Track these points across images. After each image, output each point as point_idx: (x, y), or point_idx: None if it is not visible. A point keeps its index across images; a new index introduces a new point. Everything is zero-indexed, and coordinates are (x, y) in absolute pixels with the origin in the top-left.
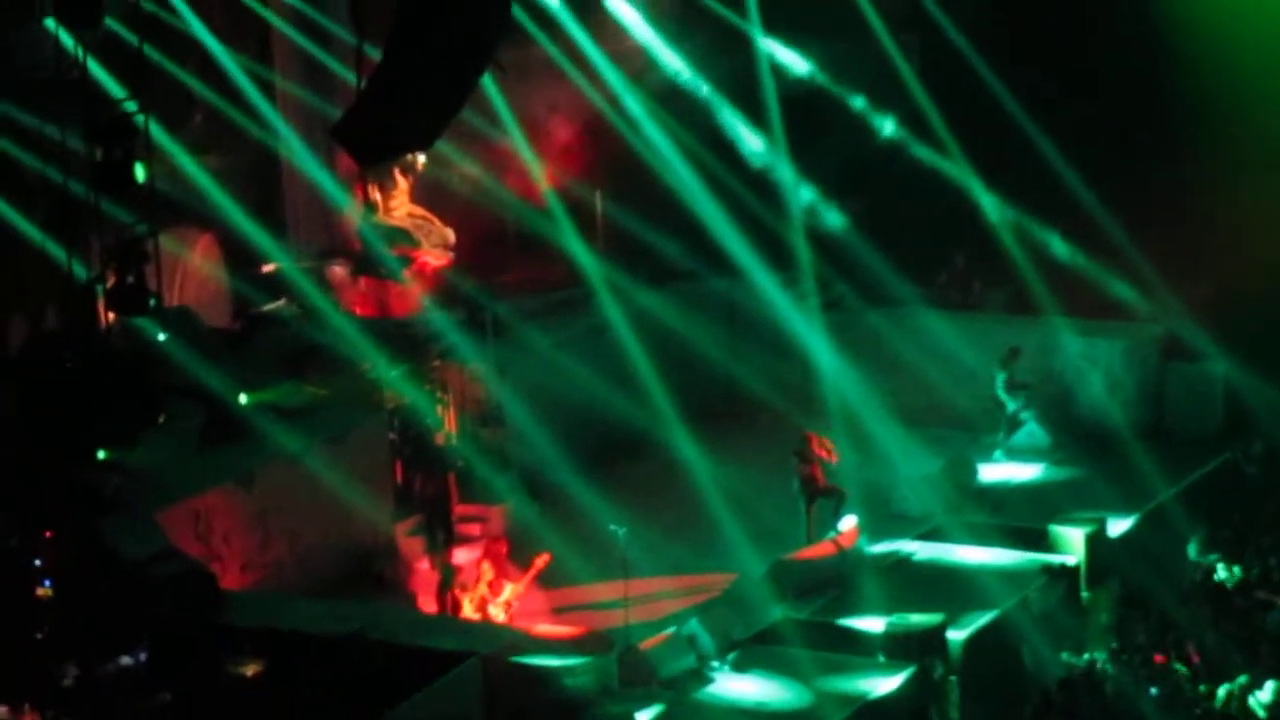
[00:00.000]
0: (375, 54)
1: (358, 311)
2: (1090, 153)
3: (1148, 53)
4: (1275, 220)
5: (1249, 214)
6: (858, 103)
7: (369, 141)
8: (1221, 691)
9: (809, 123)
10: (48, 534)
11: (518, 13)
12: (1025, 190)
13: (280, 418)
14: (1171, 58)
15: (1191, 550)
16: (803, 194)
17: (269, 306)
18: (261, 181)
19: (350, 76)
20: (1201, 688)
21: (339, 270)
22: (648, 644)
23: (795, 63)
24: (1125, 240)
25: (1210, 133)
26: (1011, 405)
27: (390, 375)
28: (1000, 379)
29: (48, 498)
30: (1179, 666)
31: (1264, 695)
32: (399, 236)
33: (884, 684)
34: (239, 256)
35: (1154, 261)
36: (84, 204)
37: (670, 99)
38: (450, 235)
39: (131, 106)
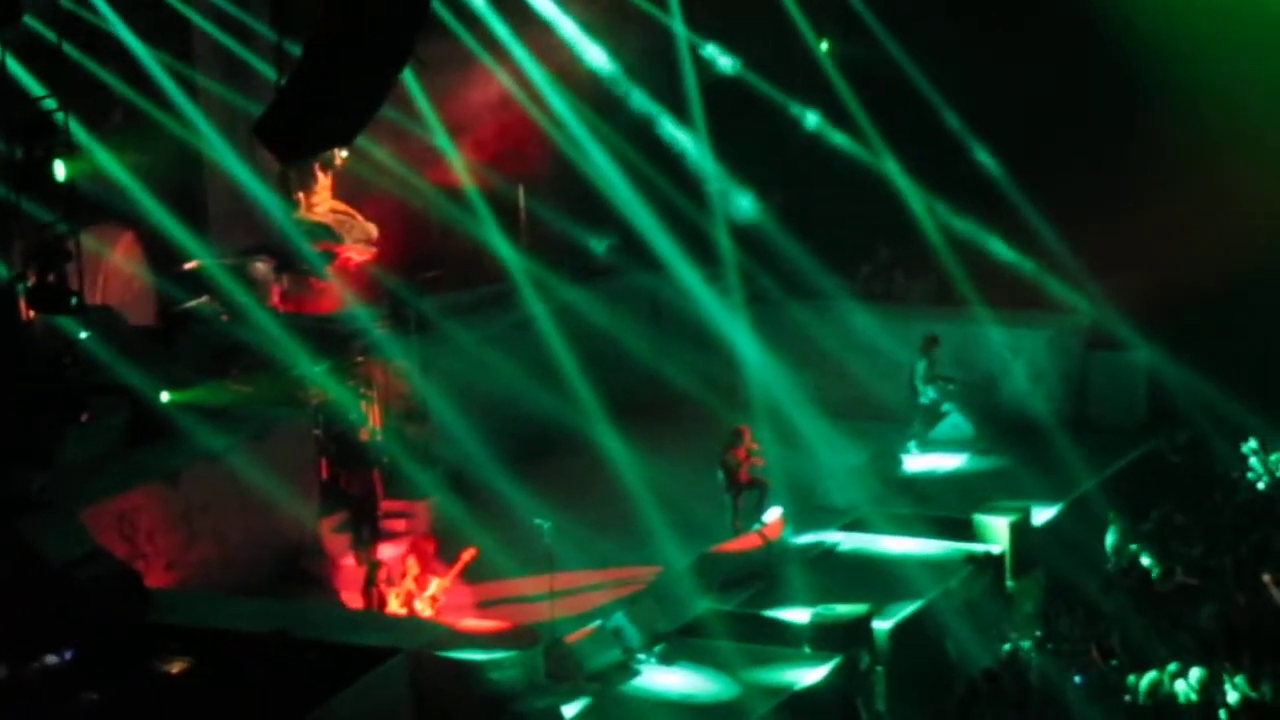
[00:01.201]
0: (296, 50)
1: (281, 308)
2: (1013, 144)
3: (1077, 44)
4: (1198, 209)
5: (1172, 203)
6: (780, 97)
7: (290, 138)
8: (1146, 680)
9: (732, 116)
10: None
11: (439, 7)
12: (948, 182)
13: (204, 416)
14: (1101, 49)
15: (1110, 538)
16: (725, 188)
17: (191, 304)
18: (182, 179)
19: (271, 73)
20: (1130, 678)
21: (261, 267)
22: (573, 637)
23: (718, 57)
24: (1048, 231)
25: (1135, 123)
26: (928, 395)
27: (314, 372)
28: (919, 368)
29: None
30: (1114, 652)
31: (1189, 683)
32: (321, 232)
33: (810, 675)
34: (161, 255)
35: (1077, 252)
36: (4, 203)
37: (594, 94)
38: (373, 230)
39: (51, 104)
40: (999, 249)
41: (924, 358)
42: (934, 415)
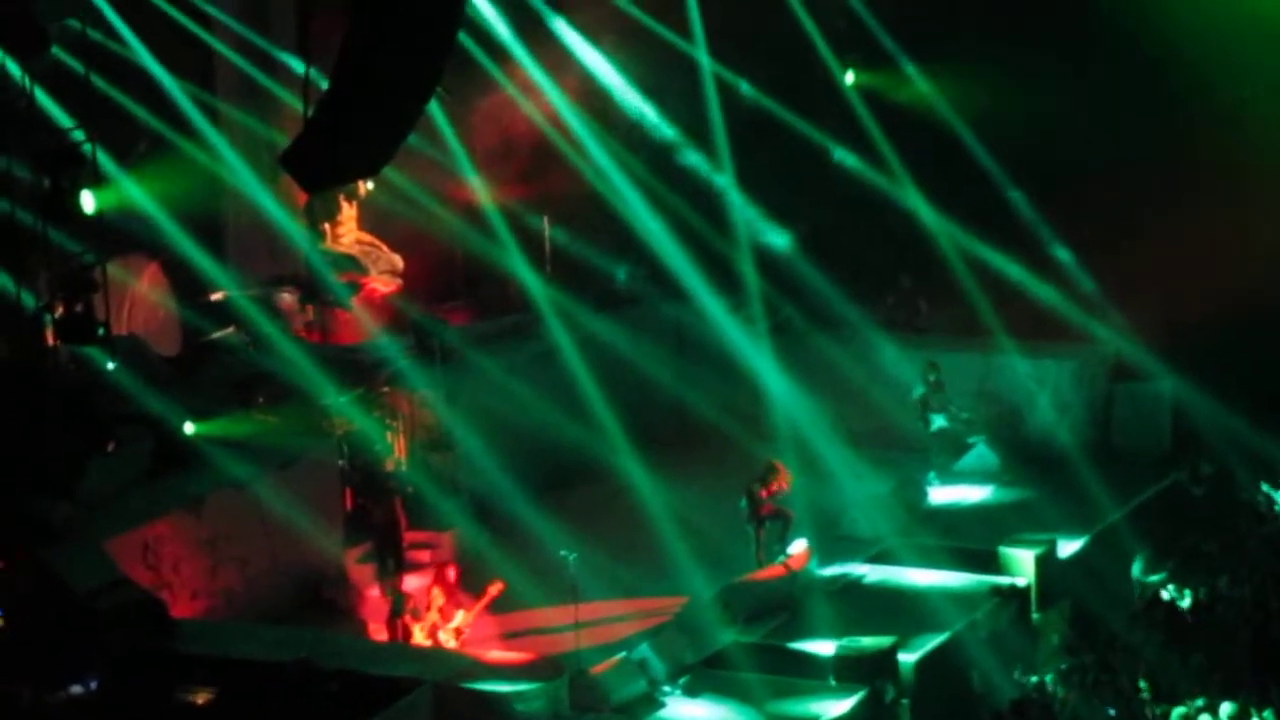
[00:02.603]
0: (323, 81)
1: (306, 338)
2: (1037, 173)
3: (1100, 74)
4: (1222, 241)
5: (1197, 235)
6: (803, 126)
7: (316, 169)
8: (1176, 714)
9: (756, 146)
10: None
11: (464, 38)
12: (972, 212)
13: (229, 446)
14: (1124, 80)
15: (1136, 569)
16: (750, 217)
17: (217, 334)
18: (208, 209)
19: (297, 103)
20: (1158, 710)
21: (287, 297)
22: (599, 669)
23: (742, 87)
24: (1073, 262)
25: (1159, 151)
26: (936, 423)
27: (339, 402)
28: (916, 394)
29: None
30: (1142, 684)
31: (1221, 716)
32: (347, 263)
33: (835, 707)
34: (186, 284)
35: (1102, 283)
36: (31, 233)
37: (618, 123)
38: (398, 261)
39: (79, 135)
40: (1023, 278)
41: (922, 385)
42: (951, 444)
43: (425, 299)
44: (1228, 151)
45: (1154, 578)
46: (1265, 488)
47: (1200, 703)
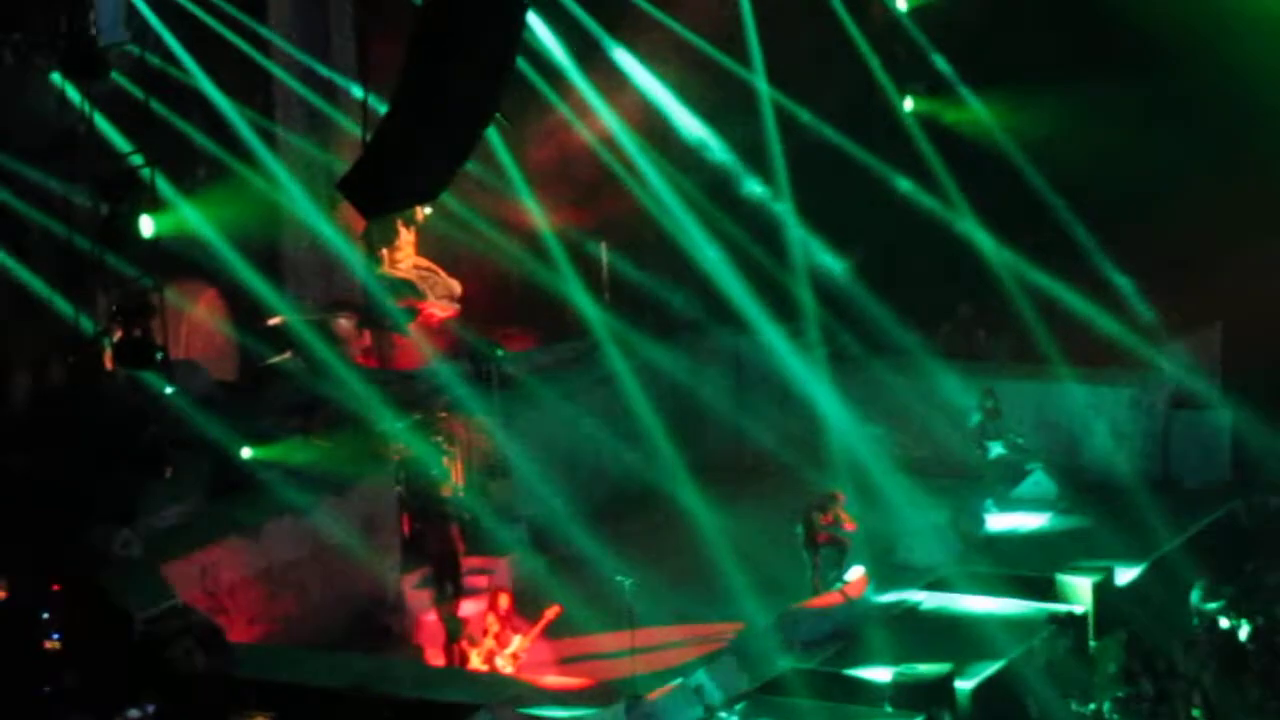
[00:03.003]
0: (382, 107)
1: (363, 364)
2: (1098, 203)
3: (1163, 102)
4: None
5: (1259, 265)
6: (861, 153)
7: (374, 194)
8: None
9: (813, 173)
10: (55, 587)
11: (522, 64)
12: (1032, 240)
13: (286, 472)
14: (1187, 108)
15: (1194, 598)
16: (808, 244)
17: (274, 359)
18: (265, 234)
19: (356, 129)
20: None
21: (344, 323)
22: (654, 695)
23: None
24: (1133, 291)
25: (1222, 184)
26: (993, 451)
27: (396, 428)
28: (973, 421)
29: (55, 552)
30: (1196, 713)
31: None
32: (404, 288)
33: None
34: (243, 310)
35: (1163, 312)
36: (89, 258)
37: (676, 151)
38: (456, 287)
39: (137, 160)
40: (1082, 307)
41: (979, 411)
42: (1008, 471)
43: (483, 325)
44: None
45: (1211, 606)
46: None
47: None
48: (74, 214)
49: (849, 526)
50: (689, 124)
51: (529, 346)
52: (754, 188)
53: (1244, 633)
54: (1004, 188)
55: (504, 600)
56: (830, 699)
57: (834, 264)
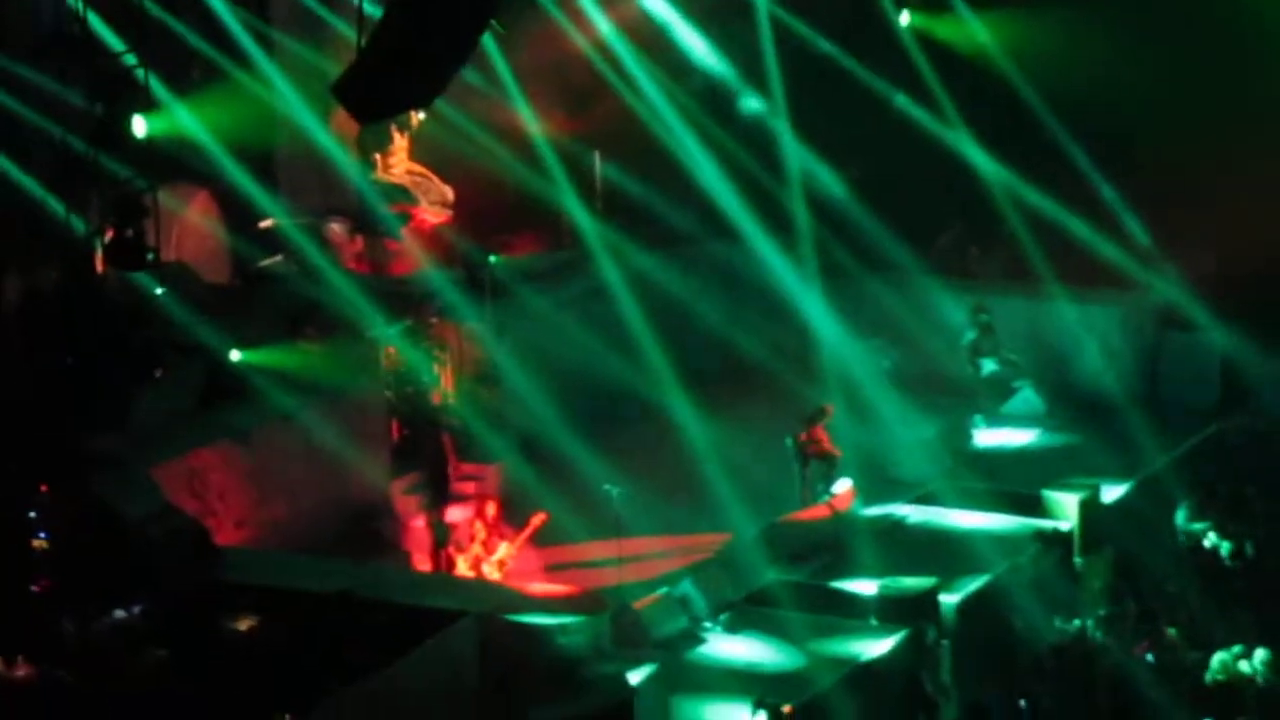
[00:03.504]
0: (377, 11)
1: (355, 269)
2: (1094, 122)
3: (1161, 23)
4: (1273, 191)
5: (1254, 187)
6: (857, 69)
7: (369, 99)
8: (1216, 660)
9: (809, 87)
10: (43, 488)
11: None
12: (1027, 159)
13: (277, 376)
14: (1185, 29)
15: (1180, 517)
16: (803, 159)
17: (266, 263)
18: (259, 138)
19: (350, 33)
20: (1193, 655)
21: (337, 228)
22: (641, 604)
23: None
24: (1127, 211)
25: (1219, 106)
26: (986, 368)
27: (387, 334)
28: (967, 339)
29: (44, 452)
30: (1172, 631)
31: (1254, 664)
32: (397, 194)
33: (876, 647)
34: (236, 213)
35: (1156, 233)
36: (82, 158)
37: (672, 62)
38: (449, 193)
39: (131, 60)
40: (1074, 225)
41: (973, 328)
42: (999, 388)
43: (476, 232)
44: None
45: (1196, 525)
46: None
47: (1239, 649)
48: (67, 114)
49: (828, 447)
50: (686, 35)
51: (522, 254)
52: (750, 101)
53: (1226, 551)
54: (1000, 105)
55: (491, 508)
56: (816, 611)
57: (829, 179)
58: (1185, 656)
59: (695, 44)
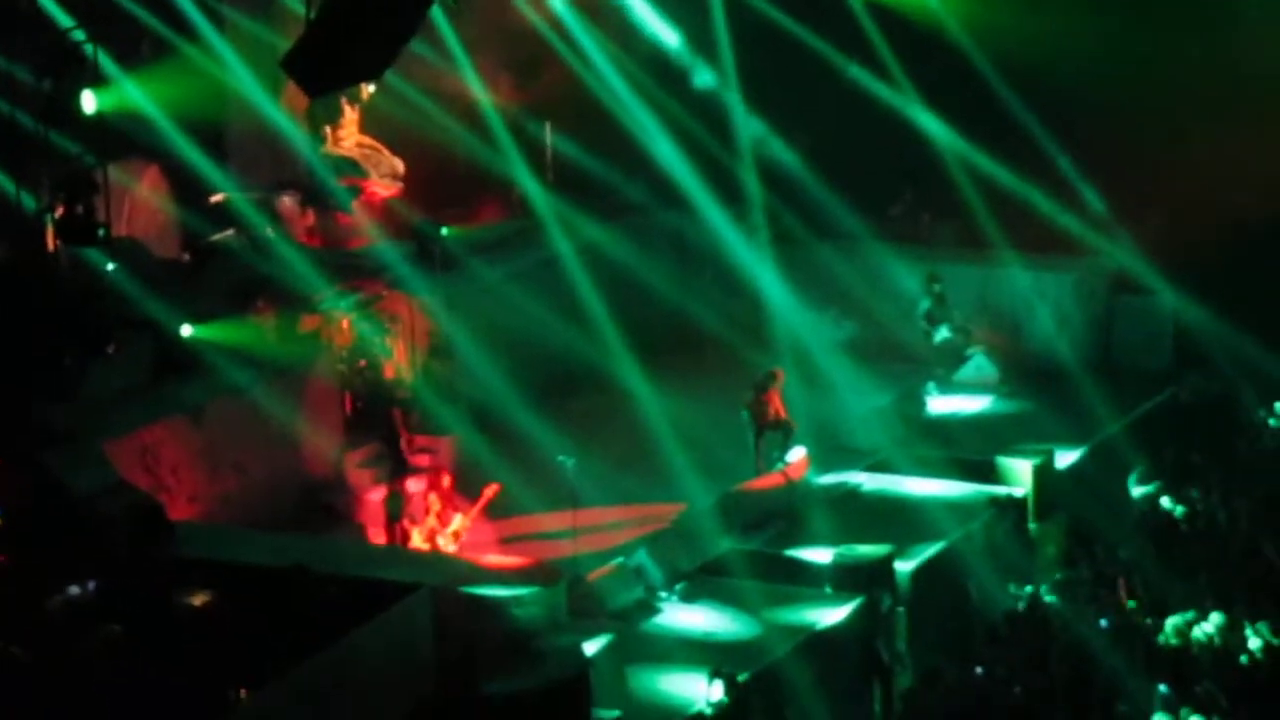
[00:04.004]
0: None
1: (307, 243)
2: (1045, 91)
3: None
4: (1225, 156)
5: (1204, 152)
6: (809, 37)
7: (317, 72)
8: (1170, 624)
9: (761, 56)
10: None
11: None
12: (978, 127)
13: (228, 351)
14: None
15: (1131, 482)
16: (754, 128)
17: (217, 237)
18: (209, 113)
19: (299, 7)
20: (1148, 620)
21: (287, 201)
22: (596, 575)
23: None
24: (1075, 174)
25: (1169, 73)
26: (939, 335)
27: (339, 307)
28: (921, 306)
29: None
30: (1127, 599)
31: (1209, 629)
32: (347, 167)
33: (831, 615)
34: (187, 188)
35: (1107, 199)
36: (32, 134)
37: (622, 32)
38: (399, 165)
39: (80, 36)
40: (1026, 192)
41: (926, 296)
42: (952, 356)
43: (426, 204)
44: (1237, 68)
45: (1146, 490)
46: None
47: (1193, 614)
48: (15, 90)
49: (782, 413)
50: (636, 4)
51: (473, 226)
52: (701, 70)
53: (1181, 516)
54: (953, 73)
55: (446, 480)
56: (771, 579)
57: (780, 148)
58: (1140, 622)
59: (646, 14)
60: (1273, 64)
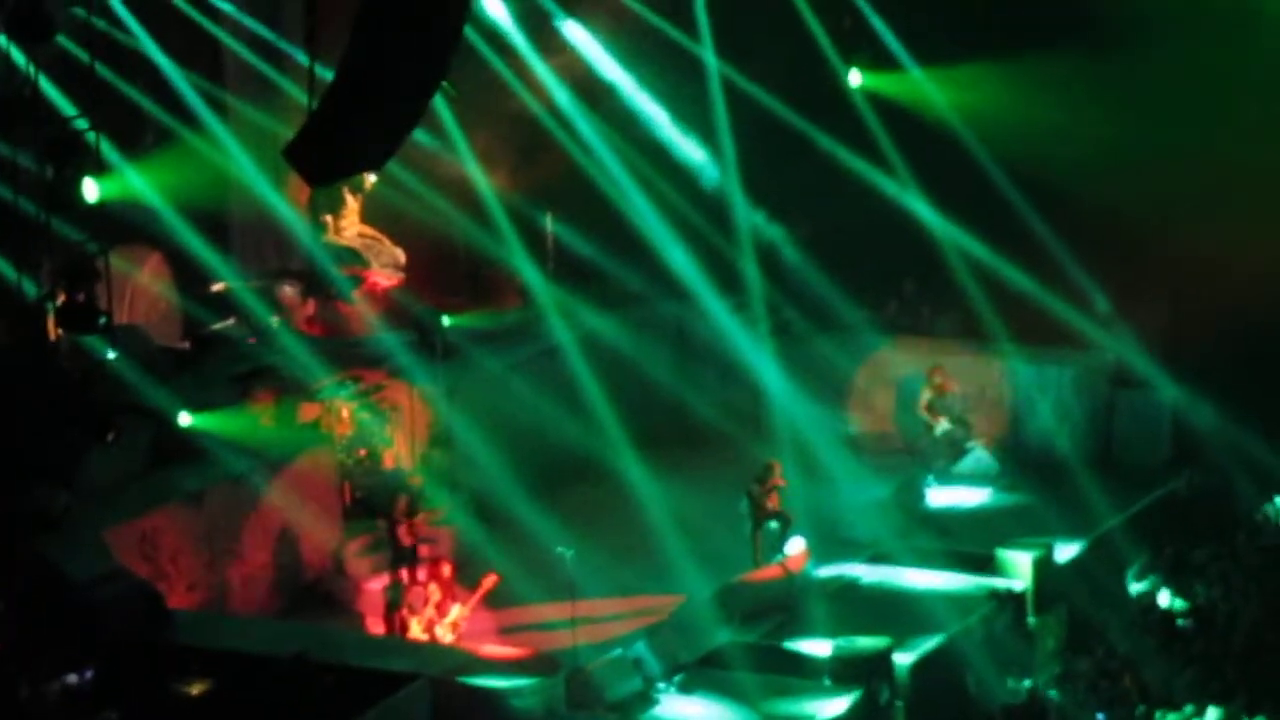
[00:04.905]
0: (328, 74)
1: (307, 332)
2: (1044, 181)
3: (1112, 84)
4: (1222, 249)
5: (1202, 245)
6: (808, 128)
7: (320, 162)
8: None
9: (760, 146)
10: None
11: (470, 33)
12: (978, 217)
13: (228, 438)
14: (1135, 90)
15: (1130, 576)
16: (753, 218)
17: (218, 326)
18: (211, 201)
19: (302, 96)
20: (1157, 714)
21: (288, 290)
22: (594, 666)
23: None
24: (1075, 268)
25: (1168, 164)
26: (940, 428)
27: (339, 396)
28: (925, 399)
29: None
30: (1139, 701)
31: None
32: (349, 256)
33: (830, 707)
34: (188, 276)
35: (1104, 290)
36: (33, 222)
37: (621, 121)
38: (400, 255)
39: (82, 124)
40: (1026, 284)
41: (927, 389)
42: (952, 448)
43: (427, 293)
44: (1238, 161)
45: (1144, 584)
46: (1278, 501)
47: (1190, 709)
48: (18, 178)
49: (778, 506)
50: (637, 97)
51: (474, 315)
52: (701, 161)
53: (1178, 609)
54: (952, 164)
55: (446, 569)
56: (769, 671)
57: (779, 238)
58: (1138, 716)
59: (649, 107)
60: (1269, 157)
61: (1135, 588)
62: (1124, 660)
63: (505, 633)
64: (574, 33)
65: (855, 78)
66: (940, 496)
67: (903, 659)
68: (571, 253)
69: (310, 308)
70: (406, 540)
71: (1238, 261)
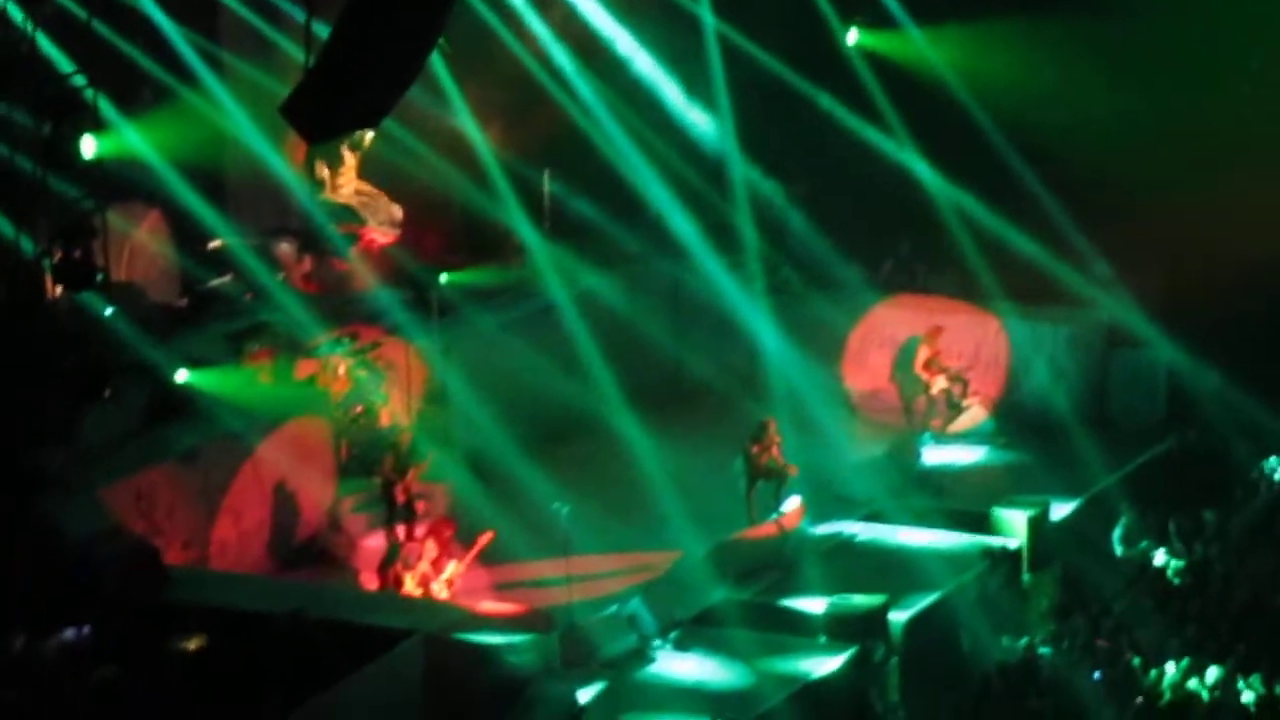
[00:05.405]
0: (325, 31)
1: (304, 289)
2: (1041, 141)
3: (1109, 43)
4: (1224, 211)
5: (1199, 204)
6: (806, 87)
7: (317, 119)
8: (1167, 679)
9: (758, 106)
10: None
11: None
12: (974, 177)
13: (224, 396)
14: (1132, 49)
15: (1118, 530)
16: (750, 177)
17: (215, 283)
18: (209, 158)
19: (299, 53)
20: (1152, 673)
21: (285, 247)
22: (589, 622)
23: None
24: (1072, 228)
25: (1165, 124)
26: (935, 386)
27: (335, 352)
28: (914, 354)
29: None
30: (1134, 659)
31: (1205, 681)
32: (345, 214)
33: (825, 665)
34: (186, 233)
35: (1101, 249)
36: (31, 179)
37: (621, 82)
38: (397, 212)
39: (80, 81)
40: (1022, 243)
41: (924, 348)
42: (947, 406)
43: (424, 251)
44: (1236, 120)
45: (1142, 544)
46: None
47: (1186, 666)
48: (15, 135)
49: (780, 461)
50: (635, 54)
51: (470, 273)
52: (698, 121)
53: (1173, 569)
54: (950, 123)
55: (448, 531)
56: (764, 629)
57: (776, 197)
58: (1133, 674)
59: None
60: (1266, 119)
61: (1121, 548)
62: (1119, 619)
63: (500, 589)
64: None
65: (853, 36)
66: (935, 455)
67: (898, 617)
68: (568, 211)
69: (307, 265)
70: (401, 497)
71: (1233, 222)
